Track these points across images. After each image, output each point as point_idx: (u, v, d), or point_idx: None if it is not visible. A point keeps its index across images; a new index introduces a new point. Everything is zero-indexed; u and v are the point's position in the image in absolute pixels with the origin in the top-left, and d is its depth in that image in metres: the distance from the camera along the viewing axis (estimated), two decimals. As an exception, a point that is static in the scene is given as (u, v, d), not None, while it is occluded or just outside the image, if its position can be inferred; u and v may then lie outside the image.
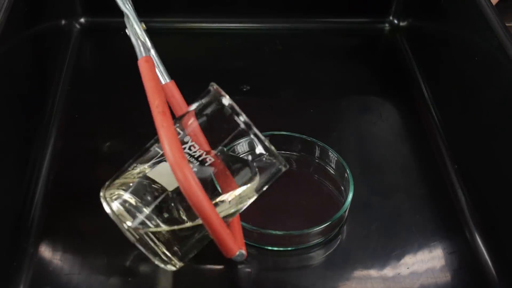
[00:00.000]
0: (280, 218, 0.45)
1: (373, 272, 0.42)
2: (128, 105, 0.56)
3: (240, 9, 0.66)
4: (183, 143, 0.38)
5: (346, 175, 0.46)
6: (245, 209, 0.40)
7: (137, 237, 0.39)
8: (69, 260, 0.42)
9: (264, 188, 0.40)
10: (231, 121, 0.38)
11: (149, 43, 0.43)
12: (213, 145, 0.39)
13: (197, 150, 0.38)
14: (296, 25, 0.67)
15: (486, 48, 0.48)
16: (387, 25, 0.67)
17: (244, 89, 0.57)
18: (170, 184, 0.38)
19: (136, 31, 0.42)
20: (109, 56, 0.63)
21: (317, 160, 0.49)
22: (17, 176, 0.46)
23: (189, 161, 0.38)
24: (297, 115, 0.55)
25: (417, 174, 0.50)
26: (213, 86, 0.39)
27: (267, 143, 0.38)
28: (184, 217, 0.38)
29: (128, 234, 0.39)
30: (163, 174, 0.38)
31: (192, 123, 0.39)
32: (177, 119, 0.40)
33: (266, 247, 0.43)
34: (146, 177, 0.39)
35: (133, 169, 0.40)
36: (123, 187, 0.39)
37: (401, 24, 0.66)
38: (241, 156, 0.43)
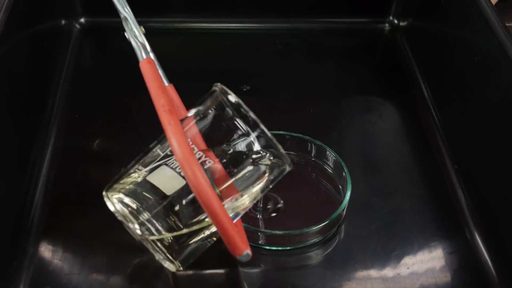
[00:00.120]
0: (279, 218, 0.45)
1: (373, 272, 0.42)
2: (128, 105, 0.56)
3: (240, 9, 0.66)
4: None
5: (344, 174, 0.46)
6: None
7: (139, 238, 0.39)
8: (69, 260, 0.42)
9: (270, 187, 0.40)
10: (238, 119, 0.38)
11: (148, 47, 0.43)
12: (218, 144, 0.39)
13: (196, 152, 0.38)
14: (296, 25, 0.67)
15: (486, 48, 0.48)
16: (387, 25, 0.67)
17: (244, 89, 0.57)
18: (168, 188, 0.38)
19: (136, 34, 0.42)
20: (109, 56, 0.63)
21: (315, 160, 0.49)
22: (17, 176, 0.46)
23: None
24: (297, 115, 0.55)
25: (417, 174, 0.50)
26: (218, 86, 0.39)
27: (274, 141, 0.37)
28: (182, 224, 0.38)
29: (131, 233, 0.39)
30: (162, 179, 0.38)
31: (191, 126, 0.39)
32: None
33: (265, 247, 0.43)
34: (146, 181, 0.39)
35: (134, 171, 0.40)
36: (124, 191, 0.39)
37: (401, 24, 0.66)
38: (247, 155, 0.43)
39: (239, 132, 0.38)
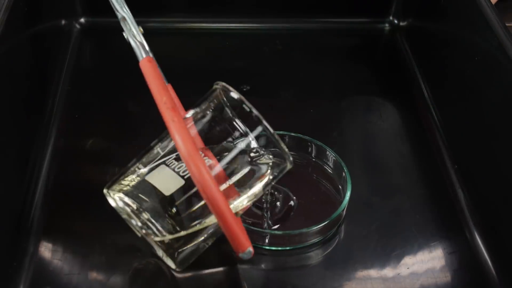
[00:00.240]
0: (279, 218, 0.45)
1: (373, 272, 0.42)
2: (128, 105, 0.56)
3: (240, 9, 0.66)
4: None
5: (344, 174, 0.46)
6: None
7: (142, 233, 0.39)
8: (69, 260, 0.42)
9: (269, 187, 0.40)
10: (237, 119, 0.38)
11: (147, 47, 0.43)
12: (219, 142, 0.39)
13: None
14: (296, 25, 0.67)
15: (486, 48, 0.48)
16: (387, 25, 0.67)
17: (244, 89, 0.57)
18: (167, 189, 0.38)
19: (134, 33, 0.42)
20: (109, 56, 0.63)
21: (315, 160, 0.49)
22: (17, 176, 0.46)
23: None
24: (297, 115, 0.55)
25: (417, 174, 0.50)
26: (219, 84, 0.39)
27: (276, 137, 0.37)
28: (181, 225, 0.38)
29: (133, 229, 0.39)
30: (161, 179, 0.38)
31: (190, 127, 0.39)
32: None
33: (265, 247, 0.43)
34: (145, 181, 0.38)
35: (134, 170, 0.40)
36: (124, 190, 0.39)
37: (401, 24, 0.66)
38: (245, 155, 0.43)
39: (238, 133, 0.38)
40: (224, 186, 0.38)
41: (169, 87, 0.45)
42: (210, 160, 0.38)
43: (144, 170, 0.39)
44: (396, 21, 0.67)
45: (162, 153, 0.39)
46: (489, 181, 0.46)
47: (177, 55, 0.62)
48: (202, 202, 0.38)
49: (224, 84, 0.39)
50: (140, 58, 0.41)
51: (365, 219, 0.46)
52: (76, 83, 0.58)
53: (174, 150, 0.39)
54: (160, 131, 0.40)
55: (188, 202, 0.38)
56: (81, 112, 0.55)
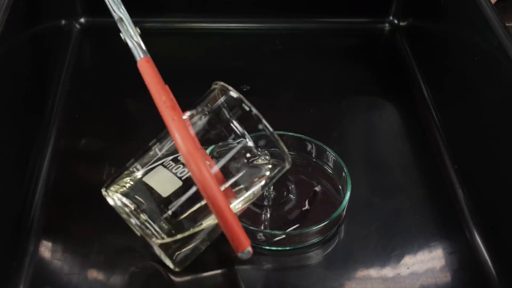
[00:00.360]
0: (279, 218, 0.45)
1: (373, 272, 0.42)
2: (128, 105, 0.56)
3: (240, 9, 0.66)
4: None
5: (343, 174, 0.46)
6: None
7: (141, 233, 0.39)
8: (69, 260, 0.42)
9: (267, 187, 0.40)
10: (234, 121, 0.38)
11: (144, 47, 0.43)
12: (216, 144, 0.38)
13: None
14: (296, 25, 0.67)
15: (486, 48, 0.48)
16: (387, 25, 0.67)
17: (244, 89, 0.57)
18: (164, 190, 0.37)
19: (131, 34, 0.42)
20: (109, 56, 0.63)
21: (315, 160, 0.49)
22: (17, 176, 0.46)
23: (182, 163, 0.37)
24: (297, 115, 0.55)
25: (417, 174, 0.50)
26: (218, 83, 0.39)
27: (276, 136, 0.37)
28: (178, 227, 0.38)
29: (132, 228, 0.39)
30: (158, 180, 0.38)
31: (189, 127, 0.39)
32: None
33: (265, 247, 0.43)
34: (142, 182, 0.38)
35: (132, 170, 0.40)
36: (121, 191, 0.39)
37: (401, 24, 0.66)
38: (242, 156, 0.43)
39: (235, 134, 0.38)
40: (221, 188, 0.38)
41: (166, 88, 0.45)
42: (208, 162, 0.38)
43: (141, 171, 0.39)
44: (396, 21, 0.67)
45: (159, 154, 0.39)
46: (489, 181, 0.46)
47: (176, 55, 0.62)
48: (200, 204, 0.38)
49: (223, 83, 0.39)
50: (137, 59, 0.41)
51: (365, 219, 0.46)
52: (76, 83, 0.58)
53: (172, 151, 0.39)
54: (159, 131, 0.40)
55: (185, 204, 0.38)
56: (81, 112, 0.55)
